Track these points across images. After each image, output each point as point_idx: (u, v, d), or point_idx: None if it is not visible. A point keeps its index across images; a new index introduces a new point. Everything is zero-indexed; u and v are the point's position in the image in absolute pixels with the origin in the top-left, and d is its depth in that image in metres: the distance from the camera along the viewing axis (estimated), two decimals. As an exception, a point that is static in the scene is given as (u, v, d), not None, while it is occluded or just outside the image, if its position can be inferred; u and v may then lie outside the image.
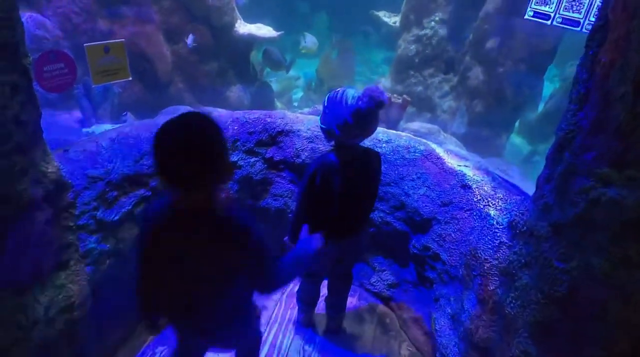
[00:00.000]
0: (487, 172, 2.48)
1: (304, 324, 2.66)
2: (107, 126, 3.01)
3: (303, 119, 3.02)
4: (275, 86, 5.90)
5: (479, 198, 2.30)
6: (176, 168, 1.17)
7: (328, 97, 1.99)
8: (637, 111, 1.11)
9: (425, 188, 2.60)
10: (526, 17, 3.43)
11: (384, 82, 5.22)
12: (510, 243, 1.91)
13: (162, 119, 3.03)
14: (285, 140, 2.98)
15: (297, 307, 2.67)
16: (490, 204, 2.20)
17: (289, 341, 2.59)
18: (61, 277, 1.97)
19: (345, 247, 2.24)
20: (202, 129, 1.20)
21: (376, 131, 2.93)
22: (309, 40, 5.65)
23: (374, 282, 3.08)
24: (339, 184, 1.95)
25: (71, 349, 2.02)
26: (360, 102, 1.78)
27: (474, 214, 2.27)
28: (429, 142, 2.76)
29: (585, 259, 1.27)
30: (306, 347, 2.56)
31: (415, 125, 3.63)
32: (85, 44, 2.45)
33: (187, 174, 1.18)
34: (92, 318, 2.27)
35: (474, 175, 2.44)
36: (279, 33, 4.48)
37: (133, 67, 3.63)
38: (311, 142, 2.94)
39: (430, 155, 2.67)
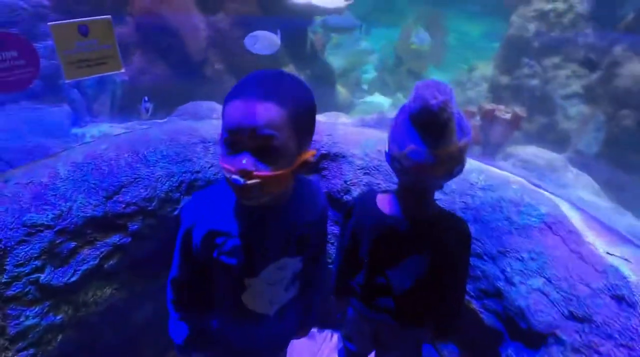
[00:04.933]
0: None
1: None
2: (104, 126, 2.34)
3: (360, 138, 2.15)
4: (341, 61, 4.95)
5: (651, 334, 1.30)
6: None
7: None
8: None
9: (543, 280, 1.64)
10: None
11: (484, 70, 4.06)
12: None
13: (169, 126, 2.32)
14: (332, 167, 2.14)
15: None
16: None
17: None
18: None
19: (381, 326, 1.60)
20: None
21: (468, 167, 1.98)
22: (421, 37, 4.64)
23: (442, 376, 2.22)
24: (372, 245, 1.42)
25: None
26: (408, 106, 1.20)
27: (640, 363, 1.29)
28: (558, 200, 1.75)
29: None
30: None
31: (529, 152, 2.52)
32: (49, 23, 1.74)
33: None
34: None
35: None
36: (347, 2, 3.51)
37: (153, 42, 2.88)
38: (367, 173, 2.08)
39: (557, 226, 1.68)
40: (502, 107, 2.42)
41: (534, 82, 3.54)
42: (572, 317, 1.54)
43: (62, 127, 2.38)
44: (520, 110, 2.40)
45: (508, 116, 2.34)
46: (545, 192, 1.81)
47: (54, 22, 1.78)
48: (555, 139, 3.42)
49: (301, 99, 1.05)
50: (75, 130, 2.35)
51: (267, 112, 0.96)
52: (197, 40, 3.19)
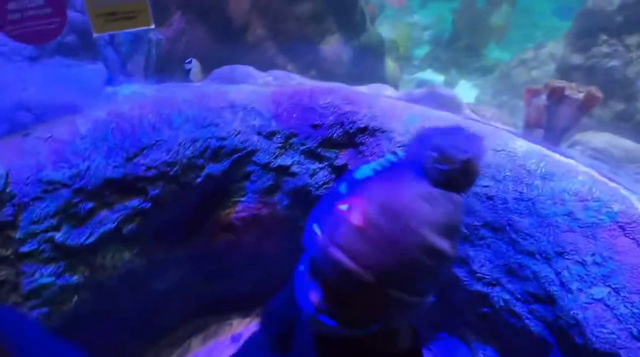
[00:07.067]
0: None
1: None
2: (137, 87, 2.28)
3: (402, 113, 1.93)
4: (392, 34, 4.66)
5: None
6: None
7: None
8: None
9: (609, 290, 1.40)
10: None
11: (553, 48, 3.65)
12: None
13: (197, 88, 2.21)
14: (369, 142, 1.96)
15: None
16: None
17: None
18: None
19: None
20: None
21: (526, 152, 1.73)
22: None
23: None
24: None
25: None
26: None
27: None
28: (636, 197, 1.47)
29: None
30: None
31: (601, 140, 2.17)
32: (77, -30, 1.64)
33: None
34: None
35: None
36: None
37: (196, 3, 2.77)
38: (408, 152, 1.85)
39: (632, 228, 1.42)
40: (574, 85, 2.09)
41: (613, 62, 3.10)
42: (643, 338, 1.30)
43: (95, 86, 2.34)
44: (596, 90, 2.05)
45: (581, 96, 2.00)
46: (621, 187, 1.53)
47: (81, -30, 1.69)
48: (633, 129, 3.00)
49: None
50: (108, 89, 2.30)
51: None
52: (240, 3, 3.04)
